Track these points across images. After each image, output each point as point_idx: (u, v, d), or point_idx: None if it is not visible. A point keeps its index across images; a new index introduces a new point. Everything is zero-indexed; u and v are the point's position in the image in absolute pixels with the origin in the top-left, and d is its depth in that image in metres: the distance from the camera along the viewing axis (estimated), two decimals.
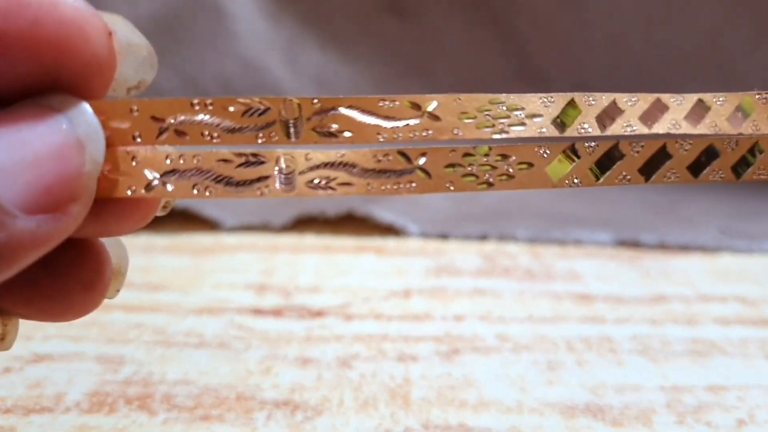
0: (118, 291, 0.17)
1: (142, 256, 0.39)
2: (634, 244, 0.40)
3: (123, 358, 0.29)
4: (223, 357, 0.29)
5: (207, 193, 0.15)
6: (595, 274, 0.37)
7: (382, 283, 0.36)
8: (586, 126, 0.16)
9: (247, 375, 0.28)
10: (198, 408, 0.26)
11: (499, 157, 0.15)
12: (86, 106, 0.14)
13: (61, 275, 0.15)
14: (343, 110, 0.15)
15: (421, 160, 0.15)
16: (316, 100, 0.15)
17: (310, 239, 0.41)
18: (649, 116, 0.16)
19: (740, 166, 0.16)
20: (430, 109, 0.15)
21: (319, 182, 0.15)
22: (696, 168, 0.16)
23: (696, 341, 0.31)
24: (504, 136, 0.15)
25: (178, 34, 0.51)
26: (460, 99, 0.15)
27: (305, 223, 0.42)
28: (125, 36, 0.14)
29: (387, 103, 0.15)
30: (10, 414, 0.25)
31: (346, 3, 0.52)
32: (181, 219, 0.43)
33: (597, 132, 0.16)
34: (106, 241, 0.16)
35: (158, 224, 0.42)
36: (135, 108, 0.14)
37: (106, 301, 0.35)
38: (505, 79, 0.52)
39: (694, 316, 0.33)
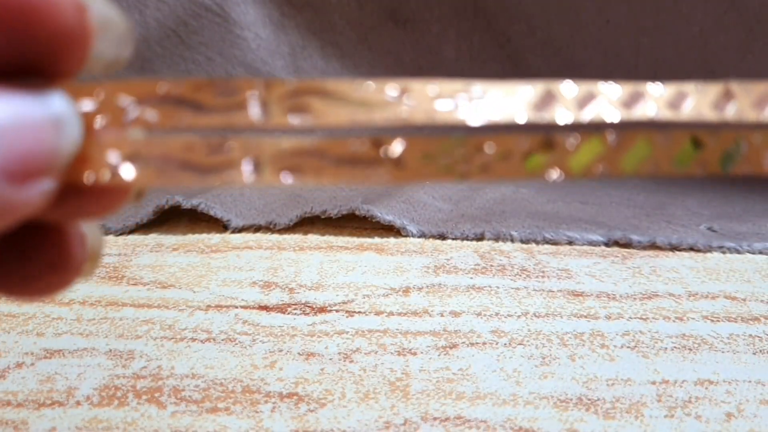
0: (92, 272, 0.17)
1: (152, 255, 0.39)
2: (626, 244, 0.40)
3: (133, 353, 0.29)
4: (230, 351, 0.29)
5: (173, 180, 0.14)
6: (587, 272, 0.37)
7: (382, 281, 0.36)
8: (565, 109, 0.15)
9: (253, 369, 0.28)
10: (205, 401, 0.26)
11: (474, 149, 0.15)
12: (60, 88, 0.14)
13: (29, 258, 0.15)
14: (314, 92, 0.14)
15: (396, 149, 0.14)
16: (287, 82, 0.14)
17: (313, 238, 0.41)
18: (628, 103, 0.15)
19: (726, 158, 0.16)
20: (404, 92, 0.14)
21: (288, 170, 0.14)
22: (680, 158, 0.15)
23: (685, 337, 0.31)
24: (480, 119, 0.15)
25: (184, 40, 0.50)
26: (435, 85, 0.14)
27: (308, 222, 0.43)
28: (101, 11, 0.14)
29: (360, 85, 0.14)
30: (21, 408, 0.25)
31: (349, 12, 0.52)
32: (189, 219, 0.43)
33: (577, 115, 0.15)
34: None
35: (167, 225, 0.43)
36: (103, 90, 0.14)
37: (117, 297, 0.35)
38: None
39: (684, 312, 0.33)
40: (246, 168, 0.14)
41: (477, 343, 0.30)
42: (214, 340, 0.30)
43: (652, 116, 0.15)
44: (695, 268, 0.38)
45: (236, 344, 0.30)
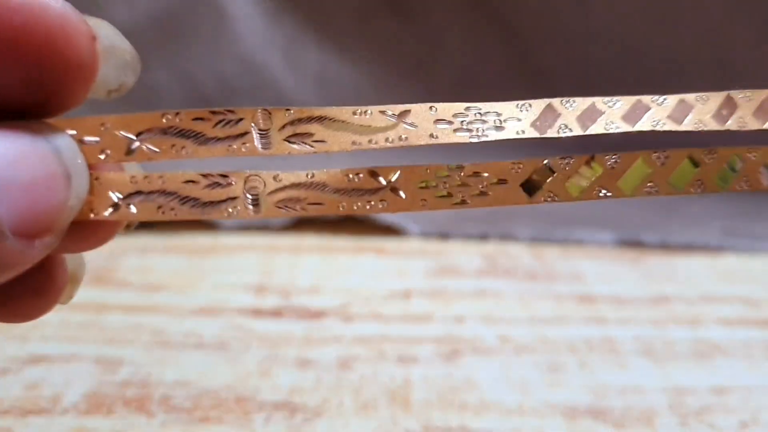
0: (71, 297, 0.17)
1: (140, 257, 0.39)
2: (636, 244, 0.40)
3: (121, 359, 0.29)
4: (222, 358, 0.29)
5: (172, 214, 0.15)
6: (597, 274, 0.37)
7: (382, 284, 0.36)
8: (567, 125, 0.15)
9: (246, 376, 0.28)
10: (196, 410, 0.26)
11: (472, 175, 0.15)
12: (76, 143, 0.14)
13: (14, 284, 0.15)
14: (316, 120, 0.15)
15: (394, 178, 0.15)
16: (288, 110, 0.15)
17: (309, 239, 0.41)
18: (630, 118, 0.16)
19: (723, 177, 0.16)
20: (404, 116, 0.15)
21: (289, 203, 0.15)
22: (677, 179, 0.16)
23: (699, 342, 0.31)
24: (482, 139, 0.15)
25: (177, 33, 0.51)
26: (434, 107, 0.15)
27: (304, 223, 0.42)
28: (109, 38, 0.14)
29: (359, 113, 0.15)
30: (7, 415, 0.25)
31: (346, 2, 0.52)
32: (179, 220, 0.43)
33: (579, 132, 0.15)
34: None
35: (156, 225, 0.42)
36: (105, 124, 0.14)
37: (105, 301, 0.35)
38: (506, 78, 0.51)
39: (697, 316, 0.33)
40: (246, 202, 0.15)
41: (481, 349, 0.30)
42: (205, 346, 0.30)
43: (655, 128, 0.16)
44: (709, 270, 0.38)
45: (229, 351, 0.30)
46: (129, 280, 0.36)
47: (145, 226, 0.42)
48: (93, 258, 0.40)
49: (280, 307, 0.33)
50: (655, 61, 0.48)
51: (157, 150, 0.14)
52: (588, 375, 0.28)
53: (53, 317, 0.32)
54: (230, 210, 0.15)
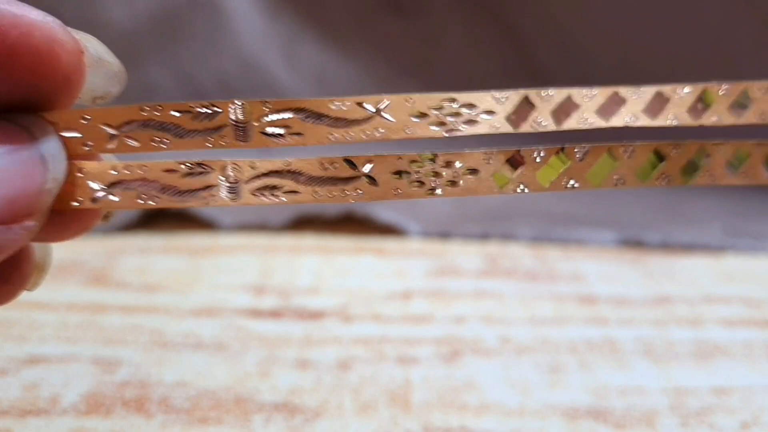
0: (38, 285, 0.17)
1: (139, 257, 0.38)
2: (638, 244, 0.40)
3: (120, 359, 0.28)
4: (221, 359, 0.29)
5: (152, 203, 0.15)
6: (598, 274, 0.37)
7: (381, 284, 0.35)
8: (541, 121, 0.16)
9: (246, 377, 0.27)
10: (195, 410, 0.25)
11: (444, 165, 0.15)
12: (50, 127, 0.14)
13: None
14: (293, 112, 0.15)
15: (367, 167, 0.15)
16: (266, 103, 0.15)
17: (308, 240, 0.41)
18: (606, 110, 0.16)
19: (688, 170, 0.16)
20: (381, 108, 0.15)
21: (265, 190, 0.15)
22: (643, 172, 0.16)
23: (700, 343, 0.30)
24: (456, 134, 0.15)
25: (175, 32, 0.50)
26: (411, 99, 0.15)
27: (304, 223, 0.42)
28: (96, 51, 0.15)
29: (338, 104, 0.15)
30: (6, 416, 0.25)
31: (346, 0, 0.51)
32: (177, 218, 0.43)
33: (553, 127, 0.16)
34: None
35: (154, 224, 0.42)
36: (86, 116, 0.15)
37: (103, 301, 0.35)
38: (505, 76, 0.51)
39: (698, 317, 0.33)
40: (224, 190, 0.15)
41: (482, 350, 0.30)
42: (204, 346, 0.30)
43: (629, 123, 0.16)
44: (710, 270, 0.37)
45: (228, 351, 0.29)
46: (128, 280, 0.36)
47: (144, 226, 0.42)
48: (92, 258, 0.40)
49: (279, 308, 0.33)
50: (655, 61, 0.48)
51: (137, 143, 0.15)
52: (589, 375, 0.28)
53: (52, 318, 0.32)
54: (209, 198, 0.15)
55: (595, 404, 0.26)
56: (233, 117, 0.15)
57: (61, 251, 0.38)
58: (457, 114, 0.15)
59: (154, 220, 0.42)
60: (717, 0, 0.47)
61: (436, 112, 0.15)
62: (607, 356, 0.29)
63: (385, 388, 0.27)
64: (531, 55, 0.51)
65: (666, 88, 0.16)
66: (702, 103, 0.16)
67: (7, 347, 0.29)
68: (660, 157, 0.16)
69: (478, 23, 0.51)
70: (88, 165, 0.15)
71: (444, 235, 0.41)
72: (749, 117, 0.16)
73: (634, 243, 0.40)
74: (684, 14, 0.47)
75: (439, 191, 0.16)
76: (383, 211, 0.42)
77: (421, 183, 0.16)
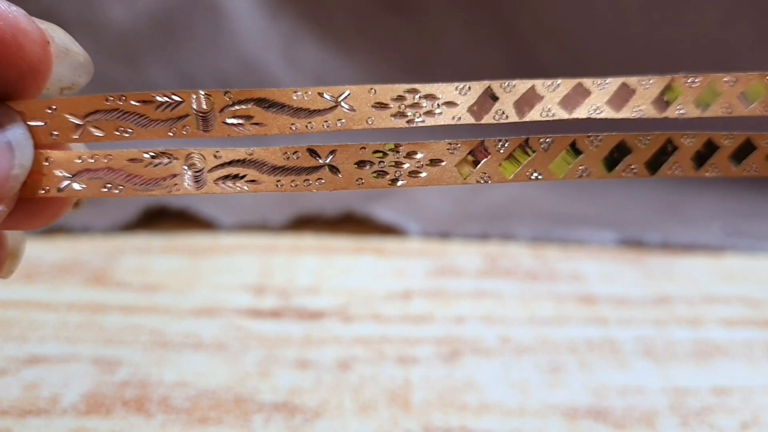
0: (11, 272, 0.17)
1: (139, 257, 0.38)
2: (638, 244, 0.40)
3: (120, 359, 0.28)
4: (221, 359, 0.29)
5: (116, 191, 0.15)
6: (598, 274, 0.37)
7: (381, 284, 0.35)
8: (503, 112, 0.15)
9: (245, 377, 0.27)
10: (195, 410, 0.25)
11: (407, 155, 0.15)
12: (17, 116, 0.15)
13: None
14: (255, 102, 0.15)
15: (330, 158, 0.15)
16: (228, 93, 0.15)
17: (308, 240, 0.41)
18: (569, 101, 0.16)
19: (654, 162, 0.16)
20: (342, 99, 0.15)
21: (228, 179, 0.15)
22: (608, 163, 0.16)
23: (699, 343, 0.30)
24: (418, 125, 0.15)
25: (175, 32, 0.50)
26: (374, 89, 0.15)
27: (303, 223, 0.42)
28: (62, 41, 0.15)
29: (300, 94, 0.15)
30: (6, 416, 0.25)
31: (346, 0, 0.51)
32: (177, 218, 0.42)
33: (515, 119, 0.16)
34: None
35: (155, 224, 0.42)
36: (52, 106, 0.15)
37: (103, 301, 0.35)
38: (505, 75, 0.51)
39: (698, 317, 0.33)
40: (188, 179, 0.15)
41: (482, 350, 0.30)
42: (204, 346, 0.30)
43: (593, 115, 0.16)
44: (710, 270, 0.37)
45: (228, 351, 0.29)
46: (128, 280, 0.35)
47: (144, 226, 0.42)
48: (92, 258, 0.40)
49: (279, 308, 0.33)
50: (655, 60, 0.48)
51: (102, 133, 0.15)
52: (589, 375, 0.28)
53: (52, 317, 0.32)
54: (172, 187, 0.15)
55: (595, 404, 0.26)
56: (195, 107, 0.15)
57: (61, 251, 0.38)
58: (418, 105, 0.15)
59: (154, 220, 0.42)
60: (715, 0, 0.46)
61: (398, 103, 0.15)
62: (607, 356, 0.29)
63: (385, 388, 0.27)
64: (531, 55, 0.51)
65: (632, 80, 0.16)
66: (668, 95, 0.16)
67: (7, 347, 0.29)
68: (627, 148, 0.16)
69: (478, 23, 0.51)
70: (55, 154, 0.15)
71: (444, 235, 0.41)
72: (715, 110, 0.16)
73: (634, 243, 0.40)
74: (684, 14, 0.47)
75: (400, 182, 0.16)
76: (383, 211, 0.42)
77: (384, 173, 0.15)
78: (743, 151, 0.16)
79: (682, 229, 0.41)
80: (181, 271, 0.37)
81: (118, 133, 0.15)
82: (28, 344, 0.29)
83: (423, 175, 0.16)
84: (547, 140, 0.16)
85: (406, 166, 0.15)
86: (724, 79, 0.16)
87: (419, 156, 0.15)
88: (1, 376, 0.27)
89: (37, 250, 0.38)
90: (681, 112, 0.16)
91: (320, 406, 0.26)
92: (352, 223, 0.42)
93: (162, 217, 0.43)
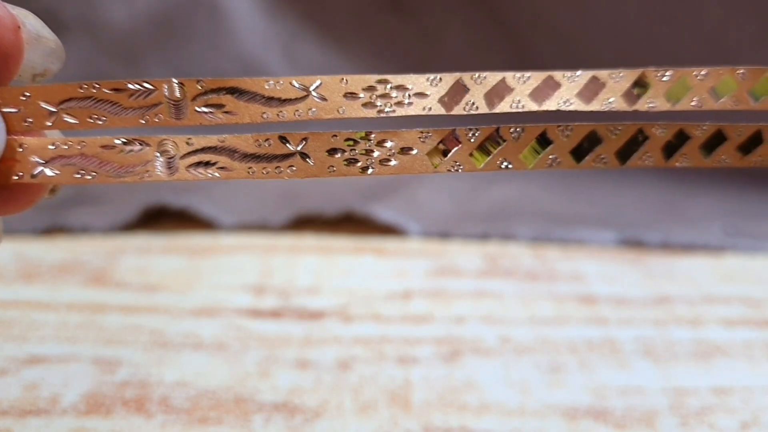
0: None
1: (139, 257, 0.38)
2: (638, 244, 0.40)
3: (120, 359, 0.28)
4: (221, 359, 0.29)
5: (89, 177, 0.15)
6: (598, 274, 0.37)
7: (381, 284, 0.35)
8: (474, 103, 0.15)
9: (245, 377, 0.27)
10: (195, 410, 0.25)
11: (379, 143, 0.16)
12: None
13: None
14: (227, 91, 0.15)
15: (302, 145, 0.15)
16: (200, 81, 0.15)
17: (308, 240, 0.41)
18: (540, 94, 0.16)
19: (625, 152, 0.16)
20: (314, 88, 0.15)
21: (200, 166, 0.15)
22: (578, 153, 0.16)
23: (699, 343, 0.30)
24: (389, 115, 0.15)
25: (175, 31, 0.50)
26: (345, 79, 0.15)
27: (303, 223, 0.42)
28: (34, 27, 0.15)
29: (272, 83, 0.15)
30: (6, 416, 0.25)
31: (346, 0, 0.51)
32: (177, 218, 0.42)
33: (485, 110, 0.16)
34: None
35: (155, 224, 0.42)
36: (26, 93, 0.15)
37: (103, 301, 0.35)
38: None
39: (698, 317, 0.33)
40: (159, 165, 0.15)
41: (482, 350, 0.30)
42: (204, 346, 0.30)
43: (563, 107, 0.16)
44: (710, 270, 0.37)
45: (228, 351, 0.29)
46: (127, 280, 0.35)
47: (144, 226, 0.42)
48: (92, 258, 0.40)
49: (279, 308, 0.33)
50: (655, 60, 0.48)
51: (76, 121, 0.15)
52: (588, 375, 0.28)
53: (52, 317, 0.32)
54: (144, 174, 0.15)
55: (595, 404, 0.26)
56: (168, 95, 0.15)
57: (61, 251, 0.38)
58: (389, 96, 0.15)
59: (154, 220, 0.42)
60: (715, 0, 0.46)
61: (369, 93, 0.15)
62: (607, 356, 0.29)
63: (385, 388, 0.27)
64: (531, 55, 0.51)
65: (602, 73, 0.16)
66: (638, 89, 0.16)
67: (7, 347, 0.29)
68: (598, 138, 0.16)
69: (478, 22, 0.51)
70: (29, 140, 0.15)
71: (444, 235, 0.41)
72: (685, 103, 0.16)
73: (634, 243, 0.40)
74: (684, 14, 0.47)
75: (371, 170, 0.16)
76: (383, 211, 0.42)
77: (355, 161, 0.16)
78: (714, 142, 0.16)
79: (682, 229, 0.41)
80: (181, 271, 0.37)
81: (91, 121, 0.15)
82: (28, 344, 0.29)
83: (393, 163, 0.16)
84: (518, 130, 0.16)
85: (375, 154, 0.15)
86: (694, 73, 0.16)
87: (389, 144, 0.16)
88: (1, 376, 0.27)
89: (37, 250, 0.38)
90: (651, 105, 0.16)
91: (320, 406, 0.26)
92: (352, 223, 0.42)
93: (162, 217, 0.42)
